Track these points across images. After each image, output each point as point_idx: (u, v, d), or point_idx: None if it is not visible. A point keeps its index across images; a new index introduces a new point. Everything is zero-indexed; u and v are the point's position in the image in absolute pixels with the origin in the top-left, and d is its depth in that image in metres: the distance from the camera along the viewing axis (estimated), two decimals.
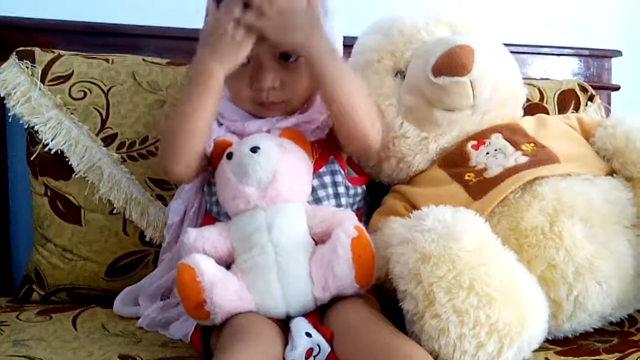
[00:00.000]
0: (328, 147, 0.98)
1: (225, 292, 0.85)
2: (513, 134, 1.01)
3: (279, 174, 0.89)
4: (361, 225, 0.88)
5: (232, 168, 0.91)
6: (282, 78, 0.96)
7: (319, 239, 0.89)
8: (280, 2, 0.90)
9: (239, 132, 0.98)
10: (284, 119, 0.98)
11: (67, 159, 1.14)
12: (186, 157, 0.94)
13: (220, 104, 0.95)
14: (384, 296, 0.91)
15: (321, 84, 0.93)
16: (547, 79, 1.49)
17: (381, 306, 0.90)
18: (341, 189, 0.99)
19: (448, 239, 0.79)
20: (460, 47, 0.97)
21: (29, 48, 1.19)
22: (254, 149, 0.90)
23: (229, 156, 0.92)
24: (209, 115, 0.93)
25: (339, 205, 0.97)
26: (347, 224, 0.87)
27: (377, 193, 1.09)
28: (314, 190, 0.96)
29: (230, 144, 0.95)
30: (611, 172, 0.99)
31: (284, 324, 0.86)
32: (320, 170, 0.97)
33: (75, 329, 1.01)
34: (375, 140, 0.96)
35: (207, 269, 0.85)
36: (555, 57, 1.55)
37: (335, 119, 0.95)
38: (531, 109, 1.27)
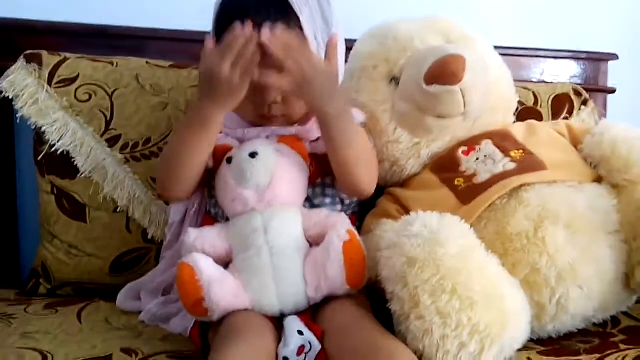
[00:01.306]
0: (324, 163, 0.98)
1: (223, 291, 0.87)
2: (503, 141, 1.02)
3: (275, 178, 0.92)
4: (353, 229, 0.91)
5: (232, 172, 0.94)
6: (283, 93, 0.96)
7: (314, 241, 0.92)
8: (303, 62, 0.88)
9: (239, 138, 1.00)
10: (284, 128, 1.00)
11: (72, 159, 1.17)
12: (183, 184, 0.96)
13: None
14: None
15: (330, 143, 0.93)
16: (544, 81, 1.50)
17: (373, 305, 0.92)
18: (334, 199, 1.01)
19: (433, 244, 0.81)
20: (452, 56, 0.98)
21: (36, 51, 1.21)
22: (253, 154, 0.93)
23: (229, 160, 0.95)
24: (207, 148, 0.94)
25: None
26: (340, 227, 0.90)
27: None
28: (309, 199, 0.98)
29: (230, 149, 0.97)
30: (598, 179, 1.01)
31: (278, 321, 0.89)
32: (316, 181, 0.99)
33: (80, 322, 1.04)
34: (368, 190, 0.98)
35: (206, 268, 0.88)
36: (552, 60, 1.54)
37: (336, 169, 0.96)
38: (526, 113, 1.29)
